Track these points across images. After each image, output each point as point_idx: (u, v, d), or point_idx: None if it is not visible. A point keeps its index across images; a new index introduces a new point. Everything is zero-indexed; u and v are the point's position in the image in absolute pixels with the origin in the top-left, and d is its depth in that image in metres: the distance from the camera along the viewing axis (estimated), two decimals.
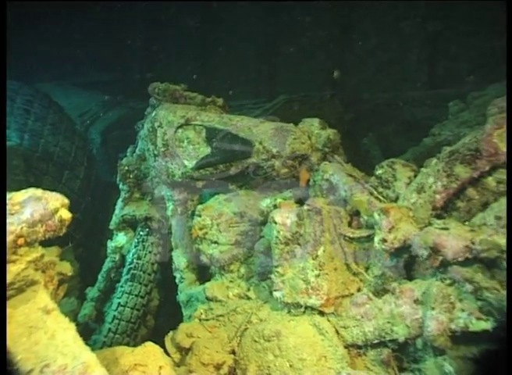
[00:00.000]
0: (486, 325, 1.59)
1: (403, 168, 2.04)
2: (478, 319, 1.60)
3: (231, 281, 2.51)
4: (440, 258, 1.62)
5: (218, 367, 2.06)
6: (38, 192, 1.34)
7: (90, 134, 5.99)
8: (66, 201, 1.41)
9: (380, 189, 2.06)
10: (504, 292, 1.52)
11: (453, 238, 1.60)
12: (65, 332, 1.31)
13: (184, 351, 2.20)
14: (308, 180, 2.38)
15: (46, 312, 1.33)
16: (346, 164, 2.33)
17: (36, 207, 1.30)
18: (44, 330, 1.29)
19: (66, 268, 1.89)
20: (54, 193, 1.39)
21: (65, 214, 1.39)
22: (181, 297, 2.80)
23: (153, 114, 2.79)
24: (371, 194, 2.05)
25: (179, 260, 2.90)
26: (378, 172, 2.09)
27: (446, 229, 1.65)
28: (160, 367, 1.54)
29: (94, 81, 7.40)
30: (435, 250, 1.61)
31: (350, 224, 2.09)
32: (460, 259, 1.60)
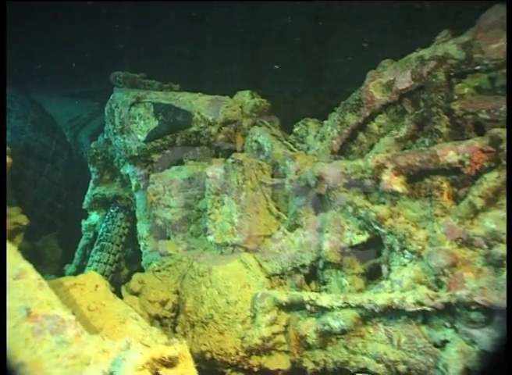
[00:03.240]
0: (363, 238, 1.90)
1: (315, 124, 2.36)
2: (358, 234, 1.91)
3: (182, 239, 2.82)
4: (325, 185, 1.93)
5: (163, 304, 2.37)
6: None
7: (79, 138, 6.35)
8: (8, 148, 1.73)
9: (297, 144, 2.38)
10: (373, 208, 1.82)
11: (332, 167, 1.92)
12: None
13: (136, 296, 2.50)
14: (243, 145, 2.70)
15: None
16: (275, 128, 2.65)
17: None
18: None
19: (22, 219, 2.23)
20: None
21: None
22: (144, 261, 3.12)
23: (111, 97, 3.13)
24: (290, 149, 2.37)
25: (142, 229, 3.22)
26: (295, 130, 2.41)
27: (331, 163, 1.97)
28: (96, 285, 1.85)
29: (86, 91, 7.77)
30: (320, 178, 1.93)
31: (273, 176, 2.40)
32: (339, 185, 1.91)
